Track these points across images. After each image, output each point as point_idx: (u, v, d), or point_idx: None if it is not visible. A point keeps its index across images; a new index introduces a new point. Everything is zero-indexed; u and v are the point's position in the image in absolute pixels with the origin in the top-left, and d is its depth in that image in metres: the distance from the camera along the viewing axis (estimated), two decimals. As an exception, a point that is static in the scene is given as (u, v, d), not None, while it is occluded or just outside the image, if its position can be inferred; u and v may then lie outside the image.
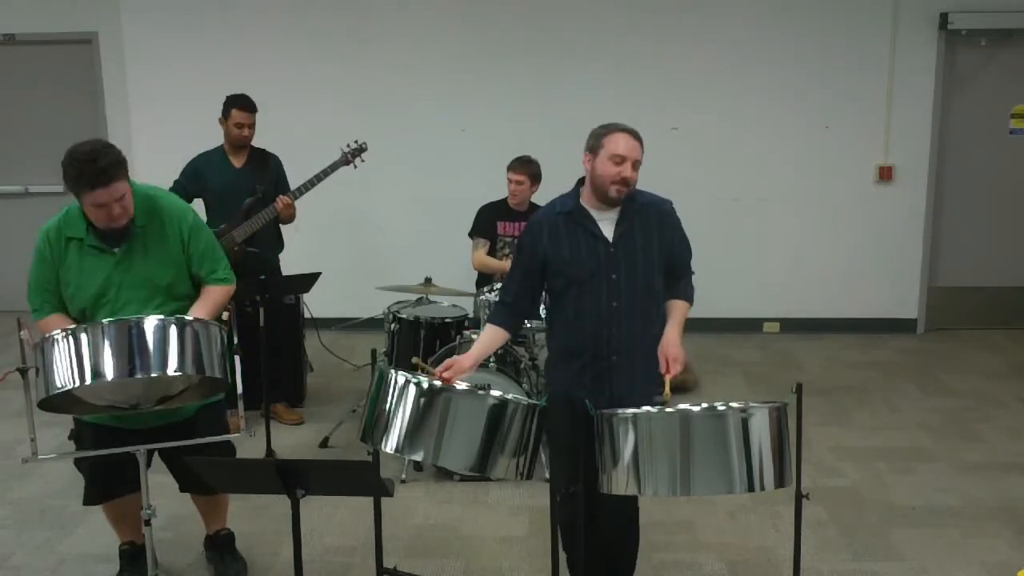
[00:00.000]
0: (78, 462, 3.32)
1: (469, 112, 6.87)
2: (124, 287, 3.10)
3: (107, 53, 7.08)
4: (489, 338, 3.21)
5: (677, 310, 3.15)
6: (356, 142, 5.24)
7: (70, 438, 3.34)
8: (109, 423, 3.17)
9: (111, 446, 3.05)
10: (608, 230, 3.03)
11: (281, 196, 5.00)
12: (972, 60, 6.77)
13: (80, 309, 3.13)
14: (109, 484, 3.30)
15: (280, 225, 5.20)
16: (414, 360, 3.24)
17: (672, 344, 3.05)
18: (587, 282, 3.03)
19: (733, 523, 4.06)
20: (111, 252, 3.10)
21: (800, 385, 2.86)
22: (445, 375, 2.96)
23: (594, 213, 3.05)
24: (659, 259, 3.07)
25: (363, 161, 5.27)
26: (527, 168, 5.16)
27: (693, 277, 3.26)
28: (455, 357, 3.07)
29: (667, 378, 3.01)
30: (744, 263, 6.98)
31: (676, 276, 3.18)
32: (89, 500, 3.40)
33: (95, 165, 2.89)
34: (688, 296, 3.20)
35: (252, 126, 5.03)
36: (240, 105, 4.99)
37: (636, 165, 3.02)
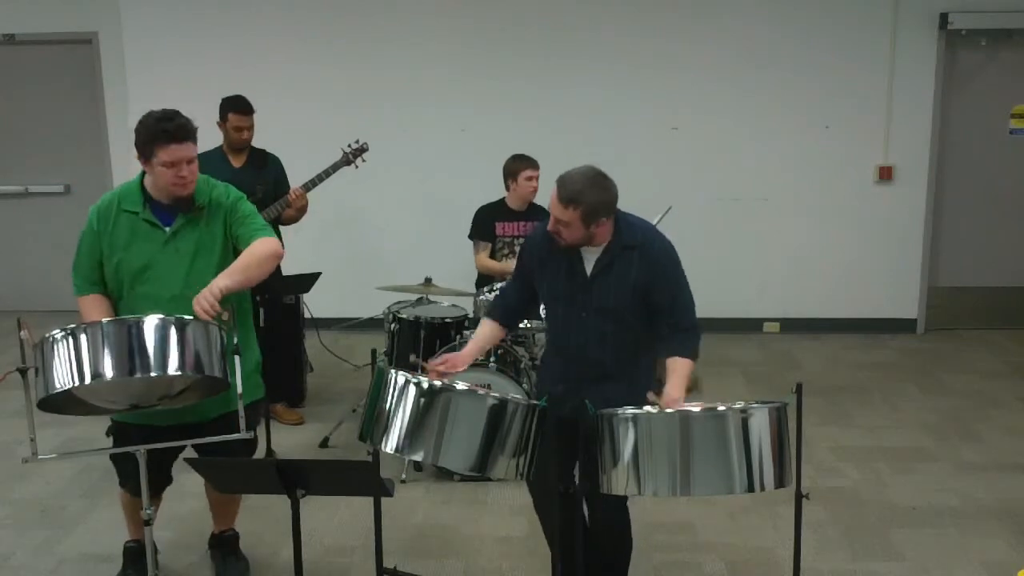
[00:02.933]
0: (113, 456, 3.32)
1: (469, 112, 6.87)
2: (169, 266, 3.15)
3: (107, 53, 7.09)
4: (485, 333, 3.21)
5: (679, 370, 2.93)
6: (357, 142, 5.24)
7: (107, 434, 3.36)
8: (142, 422, 3.18)
9: (151, 441, 3.05)
10: (590, 264, 2.99)
11: (294, 188, 5.01)
12: (972, 60, 6.77)
13: (120, 283, 3.17)
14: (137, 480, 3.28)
15: (280, 226, 5.20)
16: (412, 359, 3.25)
17: (675, 404, 2.80)
18: (560, 312, 3.04)
19: (733, 523, 4.06)
20: (162, 229, 3.16)
21: (800, 385, 2.86)
22: (440, 368, 2.99)
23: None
24: (633, 301, 2.97)
25: (364, 161, 5.27)
26: (535, 162, 5.14)
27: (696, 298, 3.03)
28: (451, 353, 3.09)
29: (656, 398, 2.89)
30: (744, 263, 6.99)
31: (671, 329, 2.98)
32: (135, 492, 3.32)
33: (170, 122, 3.07)
34: (687, 352, 2.96)
35: (251, 128, 5.04)
36: (236, 108, 4.99)
37: (562, 222, 2.85)
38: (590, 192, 2.85)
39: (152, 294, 3.14)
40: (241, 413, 2.97)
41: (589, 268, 2.99)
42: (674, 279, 3.01)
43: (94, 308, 3.16)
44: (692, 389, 5.64)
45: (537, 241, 3.10)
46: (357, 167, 5.23)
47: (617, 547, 3.27)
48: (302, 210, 5.09)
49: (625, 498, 3.15)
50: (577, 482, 2.84)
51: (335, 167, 5.12)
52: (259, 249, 3.18)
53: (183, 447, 3.16)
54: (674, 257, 3.03)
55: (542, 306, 3.52)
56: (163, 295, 3.12)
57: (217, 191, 3.27)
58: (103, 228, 3.18)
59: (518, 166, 5.15)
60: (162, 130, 3.06)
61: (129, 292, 3.18)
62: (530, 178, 5.14)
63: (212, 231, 3.22)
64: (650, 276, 2.97)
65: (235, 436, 2.99)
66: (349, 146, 5.22)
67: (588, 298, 2.99)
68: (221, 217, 3.24)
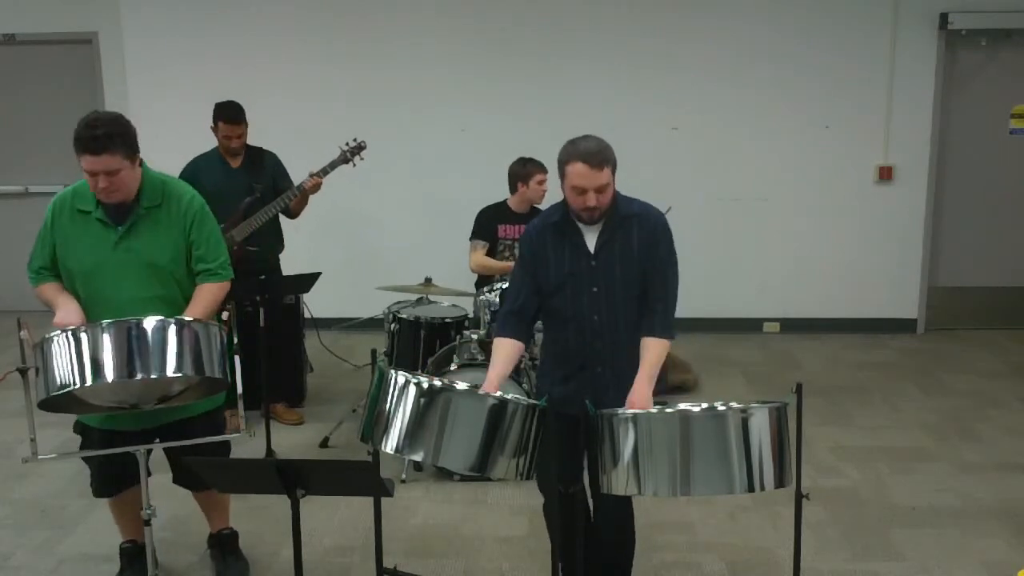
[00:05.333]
0: (87, 459, 3.32)
1: (469, 112, 6.87)
2: (120, 265, 3.10)
3: (107, 53, 7.09)
4: (506, 353, 3.03)
5: (650, 353, 2.94)
6: (355, 140, 5.23)
7: (75, 431, 3.34)
8: (107, 426, 3.17)
9: (113, 444, 3.05)
10: (592, 241, 3.02)
11: (311, 178, 5.00)
12: (972, 60, 6.77)
13: (71, 283, 3.14)
14: (114, 479, 3.30)
15: (281, 222, 5.20)
16: None
17: (641, 398, 2.87)
18: (570, 294, 3.04)
19: (733, 523, 4.06)
20: (114, 229, 3.12)
21: (800, 385, 2.86)
22: None
23: (580, 224, 3.02)
24: (639, 271, 3.00)
25: (362, 159, 5.26)
26: (544, 166, 5.14)
27: (688, 280, 3.11)
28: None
29: None
30: (744, 263, 6.99)
31: (651, 304, 3.00)
32: (98, 493, 3.40)
33: (91, 130, 2.99)
34: (664, 332, 2.98)
35: (240, 136, 5.03)
36: (226, 118, 4.99)
37: (602, 188, 2.89)
38: (609, 150, 2.94)
39: (103, 295, 3.09)
40: (241, 412, 2.97)
41: (592, 245, 3.02)
42: (667, 249, 3.05)
43: (54, 291, 3.11)
44: (690, 389, 5.66)
45: (535, 234, 3.11)
46: (355, 165, 5.22)
47: (623, 545, 3.28)
48: (315, 187, 5.06)
49: (630, 502, 3.16)
50: (585, 482, 2.82)
51: (333, 165, 5.12)
52: (216, 294, 3.19)
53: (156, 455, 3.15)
54: (668, 228, 3.07)
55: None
56: (114, 295, 3.07)
57: (173, 189, 3.21)
58: (57, 223, 3.15)
59: (530, 170, 5.13)
60: (77, 138, 3.00)
61: (83, 292, 3.12)
62: (541, 182, 5.13)
63: (169, 231, 3.16)
64: (649, 244, 3.01)
65: (232, 436, 3.00)
66: (347, 144, 5.21)
67: (596, 272, 3.01)
68: (181, 222, 3.18)
